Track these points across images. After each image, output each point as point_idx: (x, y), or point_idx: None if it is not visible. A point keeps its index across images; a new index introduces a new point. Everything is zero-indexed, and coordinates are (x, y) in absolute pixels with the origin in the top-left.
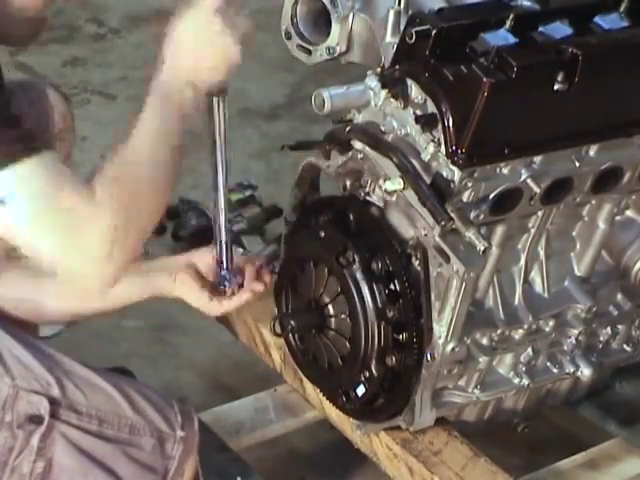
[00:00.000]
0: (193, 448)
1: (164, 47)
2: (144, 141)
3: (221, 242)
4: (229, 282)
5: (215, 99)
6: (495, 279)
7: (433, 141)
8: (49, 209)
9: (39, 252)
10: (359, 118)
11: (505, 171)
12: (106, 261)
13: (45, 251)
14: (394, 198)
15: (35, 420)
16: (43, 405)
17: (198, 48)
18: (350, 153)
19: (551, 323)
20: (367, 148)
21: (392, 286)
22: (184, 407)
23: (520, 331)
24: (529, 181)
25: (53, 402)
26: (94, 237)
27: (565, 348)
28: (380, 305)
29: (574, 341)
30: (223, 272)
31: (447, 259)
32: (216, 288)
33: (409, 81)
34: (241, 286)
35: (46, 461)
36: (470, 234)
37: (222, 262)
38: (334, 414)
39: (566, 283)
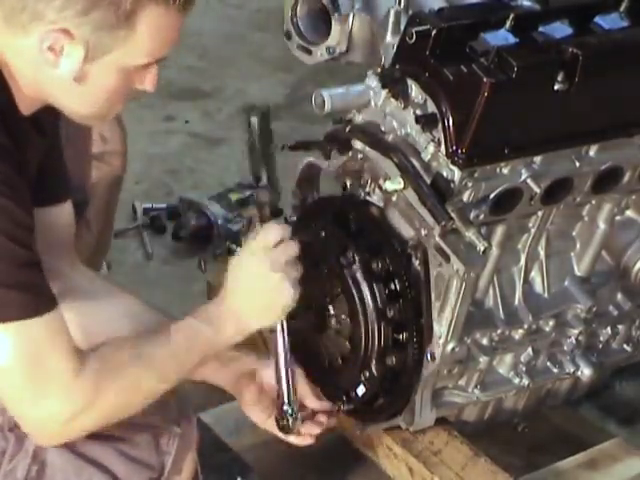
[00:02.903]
0: (191, 445)
1: (227, 277)
2: (162, 353)
3: (281, 378)
4: (292, 418)
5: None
6: (495, 279)
7: (433, 141)
8: (31, 365)
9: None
10: (359, 118)
11: (505, 171)
12: (59, 433)
13: (7, 396)
14: (394, 198)
15: None
16: None
17: (249, 289)
18: (350, 153)
19: (551, 323)
20: (367, 148)
21: (392, 286)
22: (181, 404)
23: (520, 331)
24: (529, 181)
25: None
26: (59, 404)
27: (565, 348)
28: (380, 305)
29: (574, 341)
30: (285, 407)
31: (447, 259)
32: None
33: (409, 81)
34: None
35: (40, 463)
36: (470, 234)
37: (284, 397)
38: None
39: (566, 283)
